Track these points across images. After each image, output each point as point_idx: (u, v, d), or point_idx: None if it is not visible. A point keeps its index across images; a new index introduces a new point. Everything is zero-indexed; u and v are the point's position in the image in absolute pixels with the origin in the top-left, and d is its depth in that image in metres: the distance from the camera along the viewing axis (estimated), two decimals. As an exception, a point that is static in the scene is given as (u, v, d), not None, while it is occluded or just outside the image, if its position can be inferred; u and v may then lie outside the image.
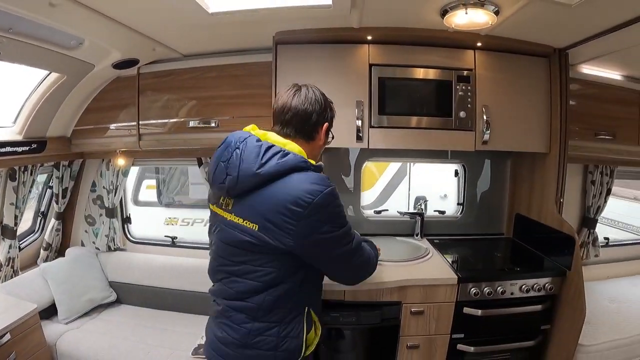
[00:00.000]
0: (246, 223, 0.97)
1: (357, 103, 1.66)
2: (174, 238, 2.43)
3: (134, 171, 2.77)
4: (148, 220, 3.02)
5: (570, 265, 1.65)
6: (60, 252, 2.32)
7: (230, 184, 0.97)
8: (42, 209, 2.34)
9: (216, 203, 1.06)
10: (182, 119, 1.86)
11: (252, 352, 1.02)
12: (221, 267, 1.08)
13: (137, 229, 2.51)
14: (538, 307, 1.67)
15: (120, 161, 2.08)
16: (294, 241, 0.93)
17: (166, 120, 1.89)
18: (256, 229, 0.95)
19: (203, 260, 2.25)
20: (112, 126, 1.98)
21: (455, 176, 2.24)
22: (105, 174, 2.21)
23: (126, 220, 2.46)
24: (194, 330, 2.00)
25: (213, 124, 1.80)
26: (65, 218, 2.34)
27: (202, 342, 1.79)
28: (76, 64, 1.65)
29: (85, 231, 2.34)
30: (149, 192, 3.35)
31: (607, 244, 2.54)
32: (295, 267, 1.00)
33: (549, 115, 1.79)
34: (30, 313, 1.66)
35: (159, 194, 3.46)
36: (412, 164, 2.90)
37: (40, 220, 2.34)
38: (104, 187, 2.24)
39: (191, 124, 1.82)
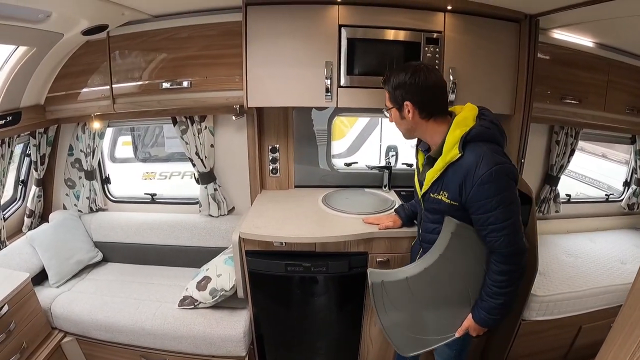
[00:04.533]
0: None
1: (327, 63, 1.68)
2: (153, 195, 2.47)
3: (110, 131, 2.74)
4: (126, 176, 3.07)
5: (527, 222, 1.75)
6: (43, 218, 2.35)
7: None
8: (22, 177, 2.34)
9: None
10: (155, 81, 1.84)
11: None
12: None
13: (117, 188, 2.53)
14: (495, 257, 1.79)
15: (96, 124, 2.07)
16: None
17: (139, 83, 1.88)
18: None
19: (182, 215, 2.37)
20: (85, 90, 1.95)
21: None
22: (82, 137, 2.20)
23: (105, 180, 2.46)
24: (177, 282, 2.09)
25: (186, 85, 1.80)
26: (46, 184, 2.34)
27: (187, 294, 1.89)
28: (45, 36, 1.61)
29: (66, 194, 2.35)
30: (125, 148, 3.37)
31: (569, 200, 2.63)
32: None
33: (516, 78, 1.82)
34: (24, 282, 1.70)
35: (135, 149, 3.48)
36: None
37: (21, 189, 2.35)
38: (81, 150, 2.23)
39: (164, 85, 1.82)
